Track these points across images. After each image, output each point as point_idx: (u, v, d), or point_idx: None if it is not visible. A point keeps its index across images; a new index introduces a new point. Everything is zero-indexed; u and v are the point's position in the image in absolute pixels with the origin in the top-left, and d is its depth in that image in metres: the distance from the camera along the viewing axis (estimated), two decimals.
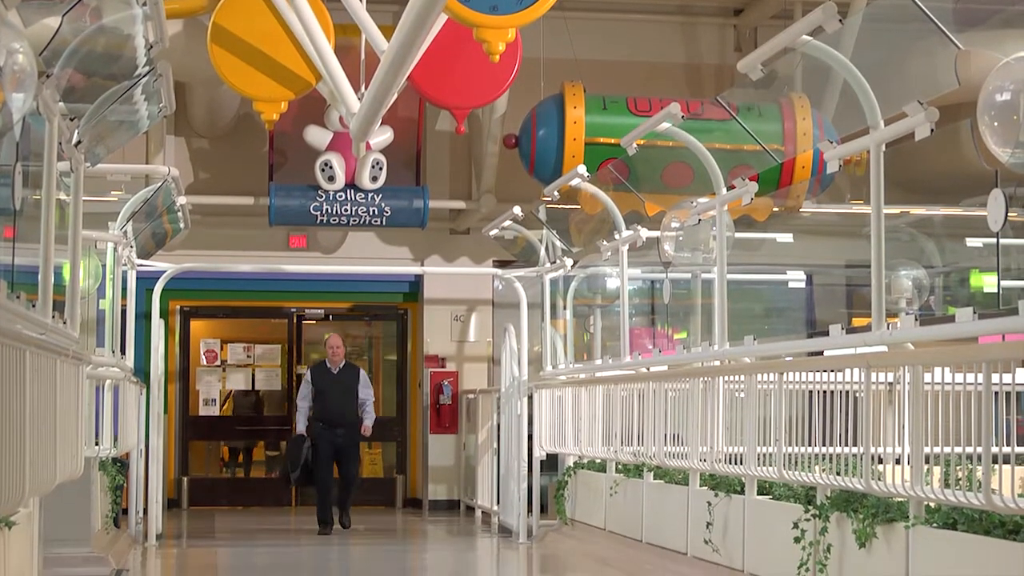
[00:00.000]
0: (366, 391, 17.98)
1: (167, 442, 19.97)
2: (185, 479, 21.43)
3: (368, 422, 17.89)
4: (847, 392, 9.80)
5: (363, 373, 18.25)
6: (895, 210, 15.88)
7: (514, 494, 16.89)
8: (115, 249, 14.97)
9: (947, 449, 8.47)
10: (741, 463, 11.43)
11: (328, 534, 17.40)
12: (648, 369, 14.47)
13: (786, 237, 19.93)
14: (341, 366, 17.97)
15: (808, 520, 10.00)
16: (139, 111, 11.14)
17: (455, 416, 21.07)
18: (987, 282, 15.22)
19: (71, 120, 9.56)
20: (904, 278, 14.00)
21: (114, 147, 12.17)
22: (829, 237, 19.72)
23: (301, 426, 17.82)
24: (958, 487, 8.15)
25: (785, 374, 10.74)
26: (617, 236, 15.22)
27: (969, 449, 8.15)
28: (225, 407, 22.72)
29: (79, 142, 10.04)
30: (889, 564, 8.93)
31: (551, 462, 17.97)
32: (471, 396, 20.34)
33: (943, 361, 8.60)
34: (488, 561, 16.03)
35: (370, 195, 19.01)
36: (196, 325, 22.03)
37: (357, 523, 18.35)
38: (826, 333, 10.11)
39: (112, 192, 15.76)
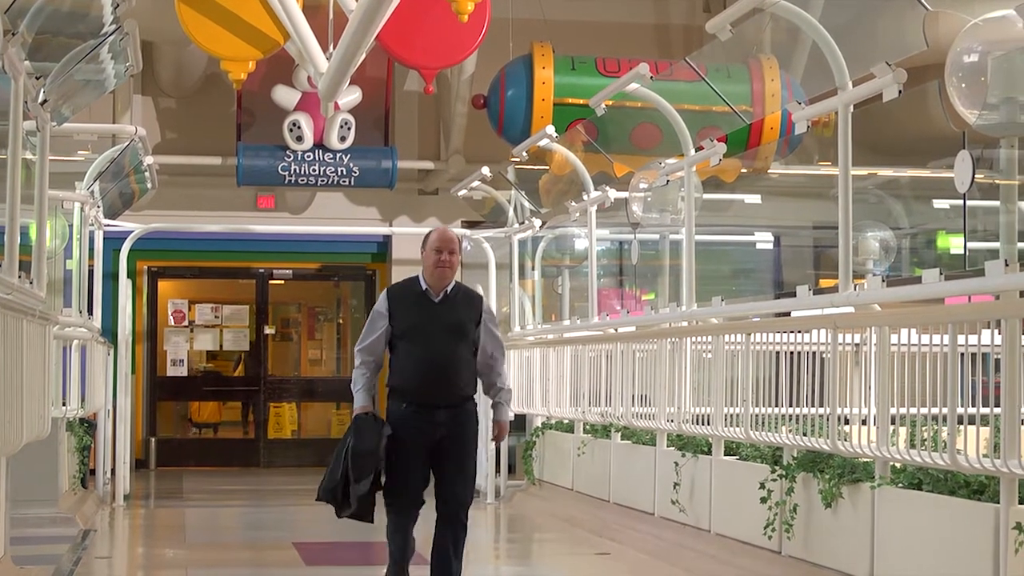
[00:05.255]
0: (495, 346, 9.20)
1: (135, 402, 19.94)
2: (153, 439, 21.40)
3: (504, 415, 9.36)
4: (814, 353, 9.84)
5: (487, 307, 9.29)
6: (863, 171, 15.88)
7: (482, 455, 16.92)
8: (82, 209, 14.93)
9: (913, 410, 8.52)
10: (708, 424, 11.47)
11: None
12: (616, 330, 14.49)
13: (754, 198, 19.95)
14: (449, 291, 9.10)
15: (775, 480, 10.04)
16: (105, 70, 11.07)
17: None
18: (954, 243, 15.27)
19: (37, 79, 9.50)
20: (871, 239, 14.04)
21: (80, 106, 12.10)
22: (797, 198, 19.74)
23: (362, 400, 9.33)
24: (923, 448, 8.20)
25: (752, 335, 10.77)
26: (586, 197, 15.22)
27: (935, 410, 8.19)
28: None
29: (45, 101, 9.98)
30: (855, 524, 8.98)
31: (519, 423, 17.98)
32: None
33: (910, 322, 8.64)
34: None
35: (338, 155, 18.97)
36: (164, 285, 21.98)
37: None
38: (793, 294, 10.15)
39: (79, 152, 15.67)
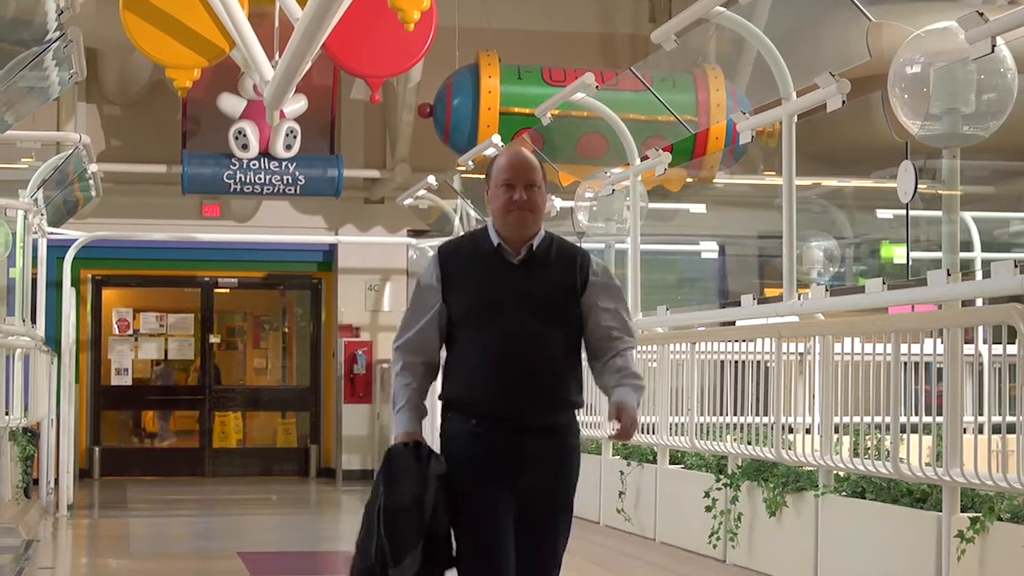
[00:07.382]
0: (616, 323, 5.88)
1: (78, 412, 19.81)
2: (97, 449, 21.26)
3: (629, 397, 5.90)
4: (758, 362, 9.88)
5: (598, 266, 5.82)
6: (807, 181, 15.98)
7: None
8: (25, 217, 14.84)
9: (856, 419, 8.57)
10: (653, 433, 11.50)
11: None
12: None
13: (699, 208, 20.01)
14: (536, 245, 5.76)
15: (719, 489, 10.07)
16: (49, 77, 11.03)
17: (369, 385, 21.03)
18: (897, 253, 15.37)
19: None
20: (815, 249, 14.12)
21: (24, 113, 12.05)
22: (742, 208, 19.81)
23: (404, 424, 5.63)
24: (867, 456, 8.24)
25: (697, 344, 10.81)
26: None
27: (878, 419, 8.25)
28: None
29: None
30: (799, 532, 9.02)
31: None
32: (385, 365, 20.31)
33: (853, 331, 8.69)
34: None
35: (284, 163, 18.93)
36: (108, 294, 21.86)
37: (268, 492, 18.20)
38: (738, 303, 10.20)
39: (22, 159, 15.58)
